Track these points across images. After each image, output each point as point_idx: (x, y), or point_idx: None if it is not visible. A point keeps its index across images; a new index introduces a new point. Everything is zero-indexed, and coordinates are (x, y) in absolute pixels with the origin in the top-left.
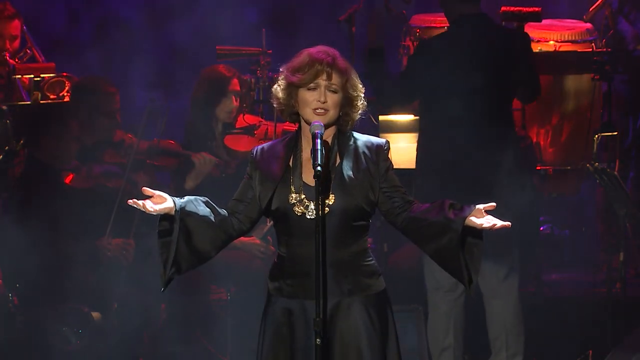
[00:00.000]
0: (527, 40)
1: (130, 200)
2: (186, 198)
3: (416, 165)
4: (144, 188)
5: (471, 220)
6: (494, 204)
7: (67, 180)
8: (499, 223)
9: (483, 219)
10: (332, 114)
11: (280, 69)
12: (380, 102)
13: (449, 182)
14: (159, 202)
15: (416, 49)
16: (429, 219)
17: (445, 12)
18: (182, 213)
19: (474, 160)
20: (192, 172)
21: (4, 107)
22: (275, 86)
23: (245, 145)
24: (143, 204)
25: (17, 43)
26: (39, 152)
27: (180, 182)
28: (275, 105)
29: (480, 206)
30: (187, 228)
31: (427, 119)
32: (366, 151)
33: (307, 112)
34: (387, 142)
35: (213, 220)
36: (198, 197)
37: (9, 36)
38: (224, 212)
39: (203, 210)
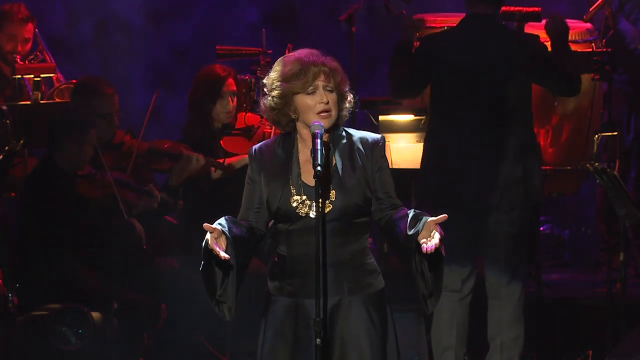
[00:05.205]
0: (537, 41)
1: (217, 251)
2: (225, 223)
3: (421, 166)
4: (205, 225)
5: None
6: (445, 215)
7: (80, 187)
8: (431, 243)
9: (427, 236)
10: (334, 114)
11: (265, 81)
12: (394, 93)
13: (456, 182)
14: (220, 241)
15: (421, 40)
16: (395, 231)
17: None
18: (233, 241)
19: (480, 162)
20: (176, 168)
21: (4, 107)
22: (265, 100)
23: (241, 148)
24: (222, 255)
25: (28, 46)
26: (59, 156)
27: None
28: (268, 118)
29: (431, 219)
30: (237, 256)
31: (434, 115)
32: (361, 147)
33: (309, 117)
34: (383, 138)
35: (247, 238)
36: (225, 217)
37: (21, 39)
38: (246, 224)
39: (238, 231)
